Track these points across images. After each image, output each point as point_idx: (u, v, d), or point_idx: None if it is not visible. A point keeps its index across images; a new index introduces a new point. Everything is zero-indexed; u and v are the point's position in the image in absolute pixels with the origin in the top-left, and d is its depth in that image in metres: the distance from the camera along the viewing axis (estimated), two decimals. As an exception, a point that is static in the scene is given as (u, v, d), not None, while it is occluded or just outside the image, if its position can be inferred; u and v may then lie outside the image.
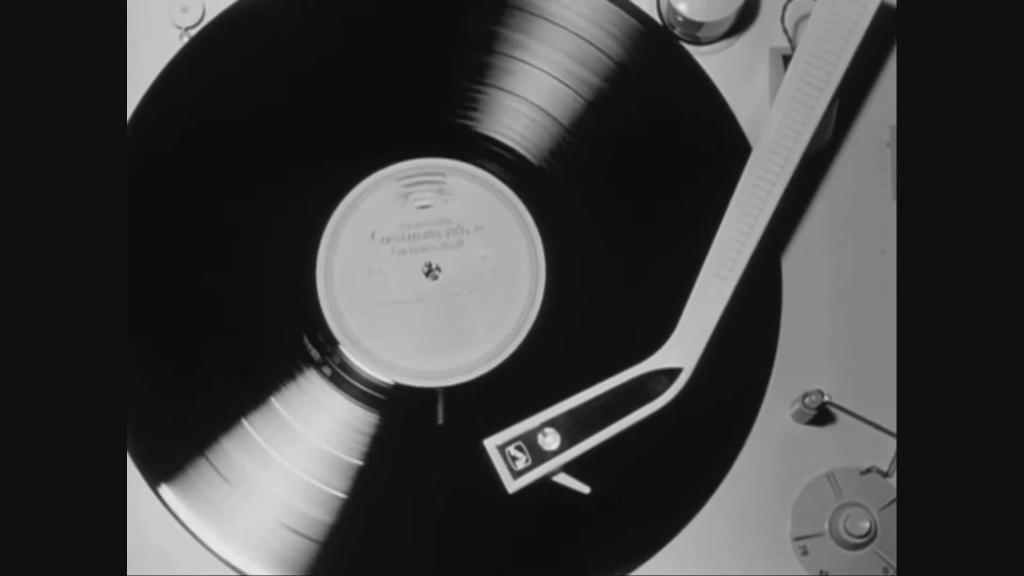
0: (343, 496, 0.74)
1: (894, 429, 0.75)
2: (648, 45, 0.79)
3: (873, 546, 0.74)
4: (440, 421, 0.76)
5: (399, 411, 0.76)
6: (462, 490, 0.74)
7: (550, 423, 0.73)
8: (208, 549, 0.74)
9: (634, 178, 0.78)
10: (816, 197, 0.79)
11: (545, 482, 0.73)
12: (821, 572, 0.74)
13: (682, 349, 0.74)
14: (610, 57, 0.79)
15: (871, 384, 0.76)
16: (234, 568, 0.74)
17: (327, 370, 0.75)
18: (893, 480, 0.75)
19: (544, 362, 0.76)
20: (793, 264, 0.78)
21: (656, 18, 0.80)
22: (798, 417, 0.76)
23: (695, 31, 0.79)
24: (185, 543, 0.74)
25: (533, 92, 0.78)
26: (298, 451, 0.75)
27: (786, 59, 0.77)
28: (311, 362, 0.76)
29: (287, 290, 0.77)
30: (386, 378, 0.76)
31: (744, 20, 0.80)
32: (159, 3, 0.79)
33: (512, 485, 0.72)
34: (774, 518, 0.75)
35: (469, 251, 0.77)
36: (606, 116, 0.78)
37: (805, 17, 0.78)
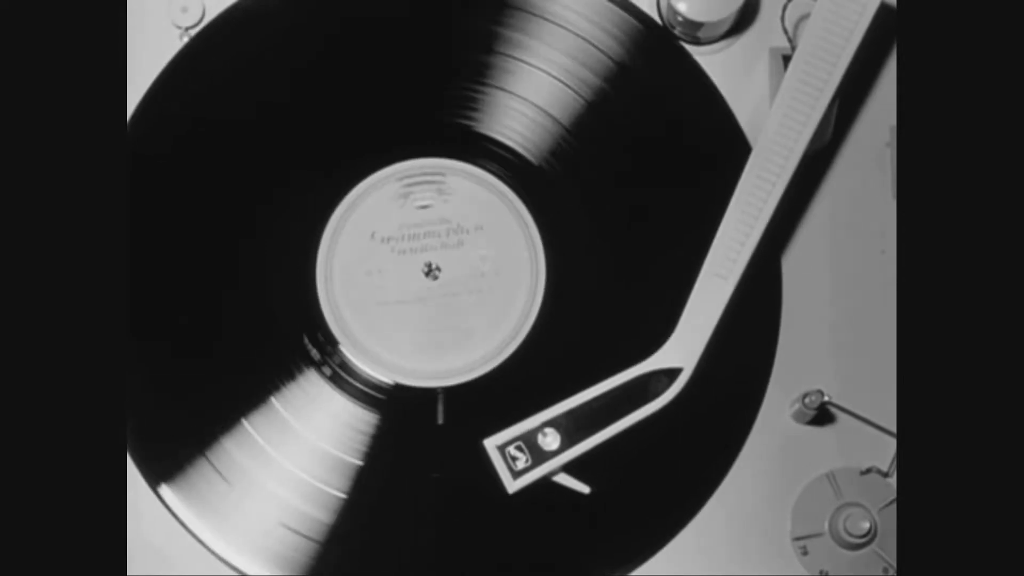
0: (343, 496, 0.74)
1: (894, 429, 0.75)
2: (648, 45, 0.79)
3: (873, 546, 0.74)
4: (440, 421, 0.76)
5: (399, 411, 0.76)
6: (462, 490, 0.74)
7: (550, 423, 0.73)
8: (208, 549, 0.74)
9: (634, 178, 0.78)
10: (816, 197, 0.79)
11: (545, 482, 0.73)
12: (821, 572, 0.74)
13: (682, 349, 0.74)
14: (610, 57, 0.79)
15: (871, 384, 0.76)
16: (234, 568, 0.74)
17: (327, 370, 0.75)
18: (893, 480, 0.75)
19: (544, 362, 0.76)
20: (793, 264, 0.78)
21: (656, 18, 0.80)
22: (798, 417, 0.76)
23: (695, 31, 0.79)
24: (185, 543, 0.74)
25: (533, 92, 0.78)
26: (298, 451, 0.75)
27: (786, 59, 0.77)
28: (311, 362, 0.76)
29: (287, 290, 0.77)
30: (386, 378, 0.76)
31: (744, 20, 0.80)
32: (159, 3, 0.79)
33: (512, 485, 0.72)
34: (774, 518, 0.75)
35: (469, 251, 0.77)
36: (606, 116, 0.78)
37: (805, 17, 0.78)
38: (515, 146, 0.78)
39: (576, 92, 0.78)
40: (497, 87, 0.78)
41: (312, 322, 0.76)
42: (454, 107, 0.78)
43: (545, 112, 0.78)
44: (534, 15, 0.79)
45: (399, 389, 0.76)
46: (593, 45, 0.79)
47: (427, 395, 0.76)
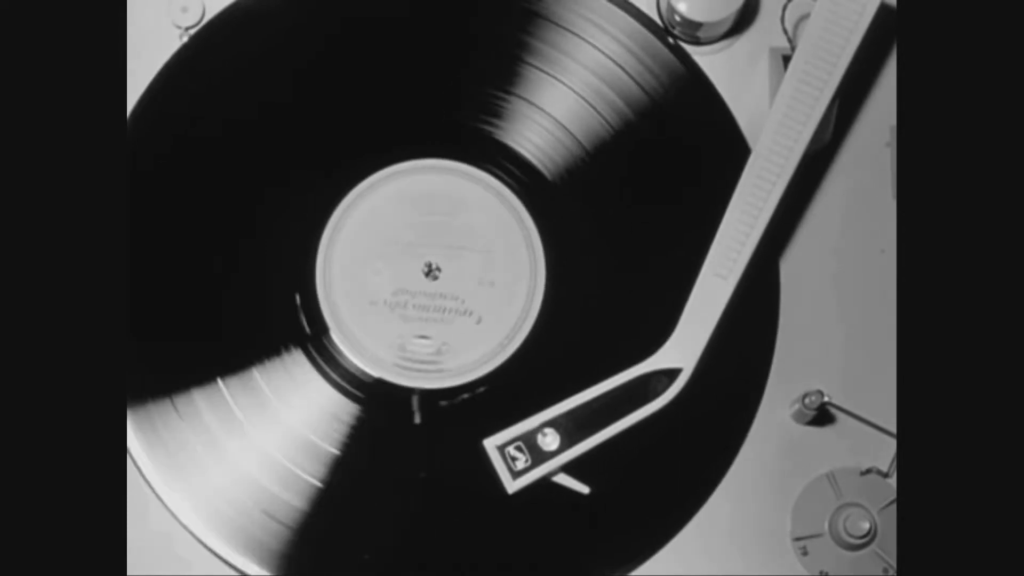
0: (342, 496, 0.74)
1: (894, 429, 0.75)
2: (643, 45, 0.79)
3: (873, 546, 0.74)
4: (417, 421, 0.75)
5: (398, 410, 0.76)
6: (462, 490, 0.74)
7: (550, 423, 0.73)
8: (208, 549, 0.74)
9: (634, 178, 0.78)
10: (816, 197, 0.79)
11: (545, 482, 0.73)
12: (821, 572, 0.74)
13: (682, 349, 0.74)
14: (610, 58, 0.79)
15: (871, 384, 0.76)
16: (234, 568, 0.74)
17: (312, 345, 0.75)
18: (893, 480, 0.75)
19: (544, 362, 0.76)
20: (793, 264, 0.78)
21: (656, 18, 0.80)
22: (798, 417, 0.76)
23: (695, 31, 0.79)
24: (185, 543, 0.74)
25: (534, 92, 0.78)
26: (300, 452, 0.75)
27: (786, 59, 0.77)
28: (302, 341, 0.76)
29: (287, 290, 0.77)
30: (383, 375, 0.76)
31: (744, 20, 0.80)
32: (159, 3, 0.79)
33: (512, 485, 0.72)
34: (774, 518, 0.75)
35: (469, 251, 0.77)
36: (606, 117, 0.78)
37: (805, 17, 0.78)
38: (514, 145, 0.78)
39: (576, 93, 0.78)
40: (500, 88, 0.78)
41: (312, 322, 0.76)
42: (453, 108, 0.78)
43: (544, 112, 0.78)
44: (532, 14, 0.79)
45: (398, 389, 0.76)
46: (592, 45, 0.79)
47: (428, 396, 0.76)
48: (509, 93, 0.78)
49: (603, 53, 0.79)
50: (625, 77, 0.78)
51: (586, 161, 0.78)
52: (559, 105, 0.78)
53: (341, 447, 0.75)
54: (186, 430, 0.74)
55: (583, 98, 0.78)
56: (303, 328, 0.76)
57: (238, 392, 0.75)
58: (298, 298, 0.76)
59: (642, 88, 0.78)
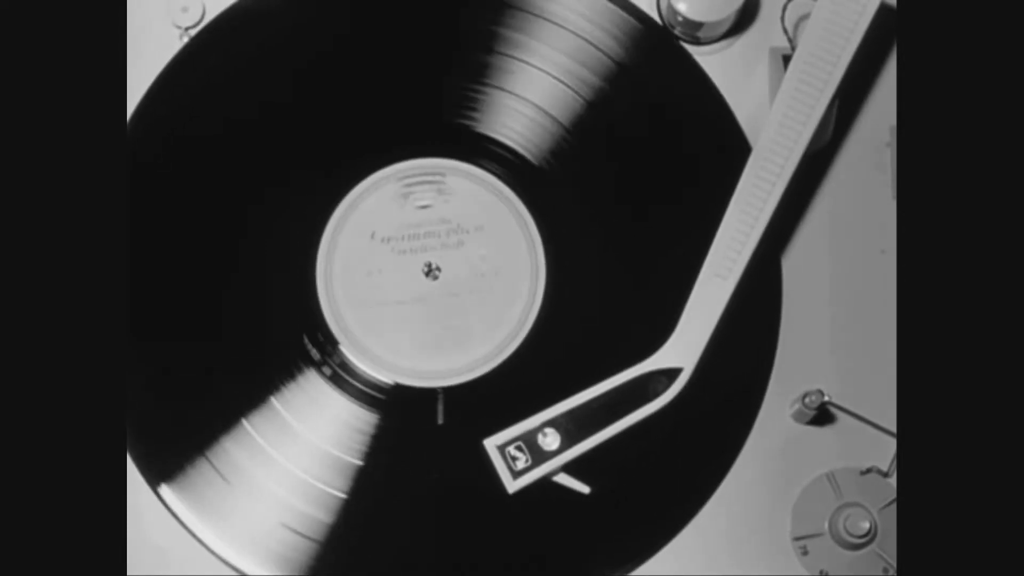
0: (343, 496, 0.74)
1: (894, 429, 0.75)
2: (648, 45, 0.79)
3: (873, 546, 0.74)
4: (440, 421, 0.76)
5: (399, 411, 0.76)
6: (462, 490, 0.74)
7: (550, 423, 0.73)
8: (208, 549, 0.74)
9: (634, 178, 0.78)
10: (816, 197, 0.79)
11: (545, 482, 0.73)
12: (821, 572, 0.74)
13: (682, 349, 0.74)
14: (610, 57, 0.79)
15: (871, 384, 0.76)
16: (234, 568, 0.74)
17: (327, 370, 0.75)
18: (893, 480, 0.75)
19: (544, 362, 0.76)
20: (793, 264, 0.78)
21: (656, 18, 0.80)
22: (798, 417, 0.76)
23: (695, 31, 0.79)
24: (185, 543, 0.74)
25: (533, 92, 0.78)
26: (298, 451, 0.75)
27: (786, 59, 0.77)
28: (311, 362, 0.76)
29: (287, 290, 0.77)
30: (386, 378, 0.76)
31: (744, 20, 0.80)
32: (159, 3, 0.79)
33: (512, 485, 0.72)
34: (774, 518, 0.75)
35: (469, 251, 0.77)
36: (606, 116, 0.78)
37: (805, 17, 0.78)
38: (515, 146, 0.78)
39: (576, 92, 0.78)
40: (497, 87, 0.78)
41: (312, 322, 0.76)
42: (454, 107, 0.78)
43: (545, 112, 0.78)
44: (534, 15, 0.79)
45: (399, 389, 0.76)
46: (593, 45, 0.79)
47: (427, 395, 0.76)
48: (510, 93, 0.78)
49: (599, 50, 0.79)
50: (590, 48, 0.78)
51: (581, 157, 0.78)
52: (554, 100, 0.78)
53: (361, 456, 0.75)
54: (225, 482, 0.74)
55: (579, 94, 0.78)
56: (313, 348, 0.76)
57: (261, 425, 0.75)
58: (303, 311, 0.76)
59: (608, 56, 0.78)
